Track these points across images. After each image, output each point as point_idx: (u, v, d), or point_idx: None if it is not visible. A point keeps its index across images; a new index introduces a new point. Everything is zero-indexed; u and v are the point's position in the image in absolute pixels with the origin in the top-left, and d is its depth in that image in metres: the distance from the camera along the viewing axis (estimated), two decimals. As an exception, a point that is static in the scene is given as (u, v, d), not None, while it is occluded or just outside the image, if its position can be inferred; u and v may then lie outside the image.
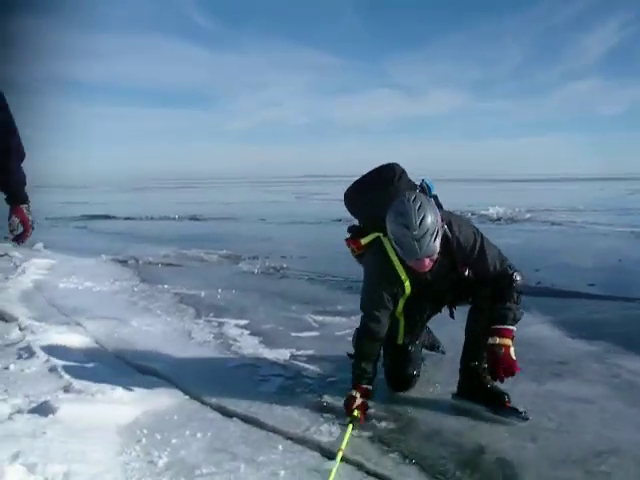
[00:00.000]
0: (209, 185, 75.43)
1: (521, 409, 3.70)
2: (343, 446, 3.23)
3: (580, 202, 27.58)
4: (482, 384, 3.91)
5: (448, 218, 3.72)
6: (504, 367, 3.61)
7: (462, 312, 4.10)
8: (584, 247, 12.78)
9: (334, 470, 2.99)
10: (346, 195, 4.25)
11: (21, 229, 3.45)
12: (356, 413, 3.61)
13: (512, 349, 3.66)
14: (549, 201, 30.43)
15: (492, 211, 20.70)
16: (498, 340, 3.64)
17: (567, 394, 4.10)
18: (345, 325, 5.96)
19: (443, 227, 3.56)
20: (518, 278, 3.75)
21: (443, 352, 4.77)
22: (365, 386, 3.79)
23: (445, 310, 4.23)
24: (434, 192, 4.00)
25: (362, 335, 3.90)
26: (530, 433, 3.52)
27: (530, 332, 5.55)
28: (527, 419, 3.63)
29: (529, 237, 14.63)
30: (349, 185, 4.25)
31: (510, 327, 3.68)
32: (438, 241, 3.46)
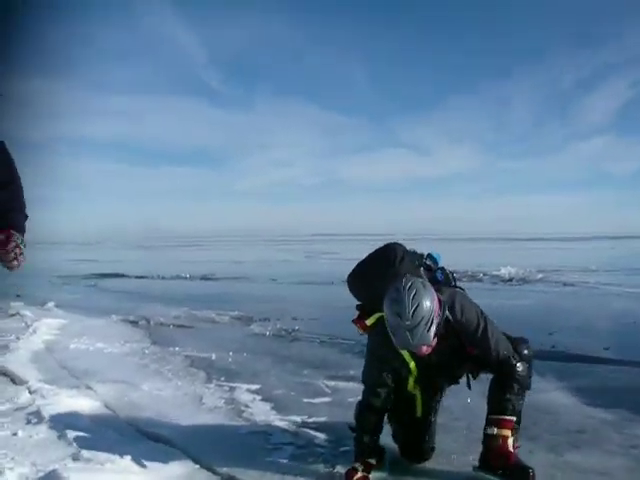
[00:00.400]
0: (219, 244, 75.62)
1: None
2: None
3: (592, 262, 27.46)
4: (507, 458, 3.82)
5: (452, 299, 3.66)
6: (500, 458, 3.60)
7: (477, 382, 4.03)
8: (597, 309, 12.67)
9: None
10: (348, 279, 4.20)
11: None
12: None
13: (510, 440, 3.63)
14: (560, 261, 30.34)
15: (504, 271, 20.62)
16: (496, 431, 3.62)
17: (585, 466, 4.00)
18: (357, 391, 5.76)
19: (441, 314, 3.47)
20: (520, 369, 3.68)
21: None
22: (367, 460, 3.74)
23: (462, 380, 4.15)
24: (441, 264, 3.99)
25: (363, 409, 3.89)
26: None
27: (545, 399, 5.48)
28: None
29: (541, 298, 14.54)
30: (352, 268, 4.19)
31: (509, 418, 3.64)
32: (433, 330, 3.37)
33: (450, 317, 3.60)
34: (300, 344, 8.78)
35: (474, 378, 4.02)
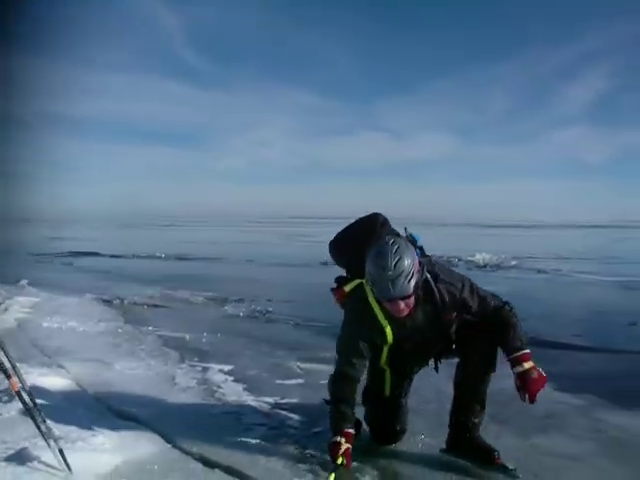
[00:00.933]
0: (197, 224, 75.26)
1: (511, 466, 3.66)
2: None
3: (565, 249, 27.77)
4: (472, 439, 3.88)
5: (433, 267, 3.76)
6: (540, 384, 3.68)
7: (446, 365, 4.08)
8: (569, 296, 12.84)
9: None
10: (330, 245, 4.27)
11: None
12: (341, 460, 3.55)
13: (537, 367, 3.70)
14: (535, 248, 30.53)
15: (478, 257, 20.74)
16: (526, 365, 3.64)
17: (552, 450, 4.08)
18: (330, 373, 5.89)
19: (421, 272, 3.57)
20: (512, 306, 3.85)
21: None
22: (348, 430, 3.71)
23: (431, 363, 4.19)
24: (420, 243, 3.99)
25: (337, 378, 3.85)
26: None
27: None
28: (517, 477, 3.60)
29: (515, 285, 14.63)
30: (334, 235, 4.26)
31: (527, 351, 3.71)
32: (412, 283, 3.46)
33: (432, 282, 3.69)
34: (274, 326, 8.80)
35: (440, 361, 4.10)
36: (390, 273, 3.38)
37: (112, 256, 22.76)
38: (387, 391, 4.12)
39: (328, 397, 3.94)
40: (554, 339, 7.86)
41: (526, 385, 3.63)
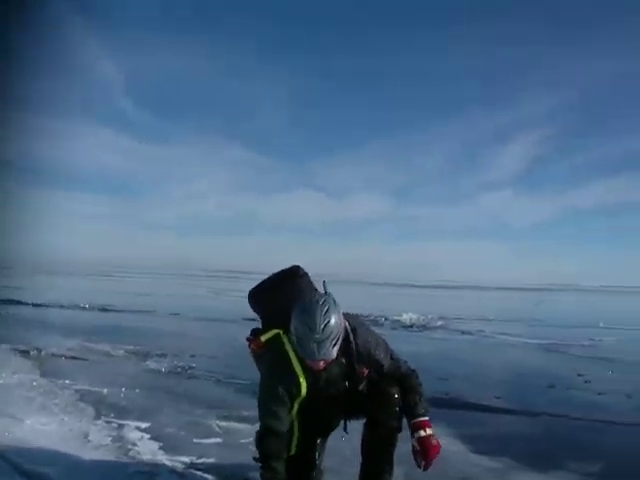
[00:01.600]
0: (126, 275, 74.06)
1: None
2: None
3: (491, 311, 28.24)
4: None
5: (353, 322, 3.79)
6: (436, 453, 3.75)
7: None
8: (492, 358, 13.01)
9: None
10: (250, 294, 4.26)
11: None
12: None
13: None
14: (462, 309, 31.04)
15: (405, 317, 20.94)
16: (428, 431, 3.73)
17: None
18: (249, 432, 5.78)
19: (344, 332, 3.61)
20: (418, 375, 3.92)
21: None
22: None
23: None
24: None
25: (264, 434, 3.75)
26: None
27: (435, 445, 5.56)
28: None
29: (440, 345, 14.81)
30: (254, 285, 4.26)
31: (426, 418, 3.77)
32: (337, 347, 3.51)
33: (350, 335, 3.70)
34: (195, 382, 8.62)
35: (349, 420, 4.10)
36: (317, 336, 3.39)
37: (35, 305, 22.11)
38: (293, 449, 3.98)
39: (256, 455, 3.83)
40: (476, 400, 7.94)
41: (425, 451, 3.70)
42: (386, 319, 20.08)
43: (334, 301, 3.57)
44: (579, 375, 10.32)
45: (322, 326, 3.39)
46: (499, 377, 10.17)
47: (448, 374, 9.69)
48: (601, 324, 22.05)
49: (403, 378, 3.87)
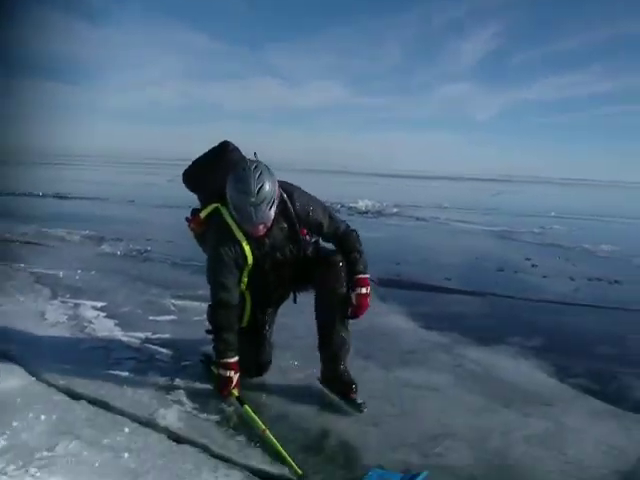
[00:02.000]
0: (80, 163, 72.71)
1: (359, 401, 3.82)
2: (262, 425, 3.32)
3: (446, 200, 28.59)
4: (335, 372, 3.99)
5: (288, 187, 3.85)
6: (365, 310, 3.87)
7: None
8: (445, 243, 13.30)
9: (280, 450, 3.07)
10: (184, 174, 4.25)
11: None
12: (235, 392, 3.66)
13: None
14: (417, 197, 31.39)
15: (361, 204, 21.15)
16: (364, 290, 3.83)
17: (412, 382, 4.31)
18: (203, 310, 5.79)
19: (280, 196, 3.69)
20: (359, 234, 4.01)
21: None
22: (232, 360, 3.77)
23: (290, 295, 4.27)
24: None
25: (215, 307, 3.83)
26: (373, 418, 3.67)
27: (385, 322, 5.79)
28: (362, 411, 3.76)
29: (394, 231, 15.04)
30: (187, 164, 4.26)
31: (366, 276, 3.88)
32: (274, 209, 3.59)
33: (287, 200, 3.78)
34: (151, 264, 8.68)
35: (298, 292, 4.22)
36: (253, 200, 3.45)
37: (-15, 194, 21.74)
38: (245, 322, 4.11)
39: (208, 328, 3.95)
40: (426, 282, 8.18)
41: (360, 307, 3.86)
42: (342, 206, 20.24)
43: (267, 167, 3.59)
44: (527, 259, 10.63)
45: (256, 189, 3.44)
46: (450, 261, 10.41)
47: (401, 258, 9.90)
48: (553, 213, 22.54)
49: (343, 236, 3.95)
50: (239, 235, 3.71)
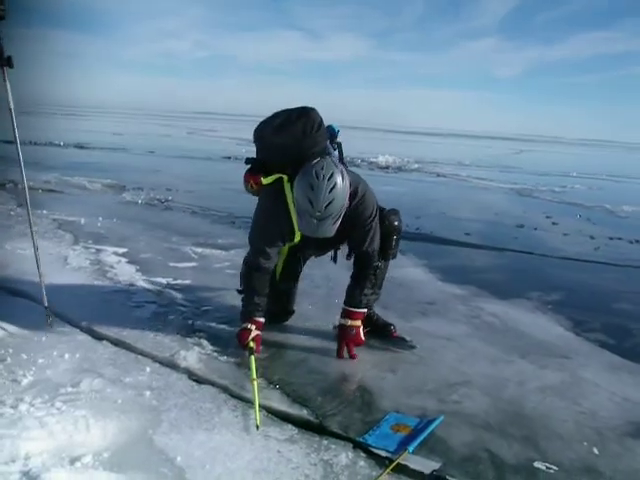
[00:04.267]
0: (99, 114, 72.80)
1: (408, 338, 3.96)
2: (254, 375, 3.28)
3: (467, 157, 28.47)
4: (369, 317, 4.07)
5: (356, 186, 3.65)
6: (353, 345, 3.79)
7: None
8: (465, 199, 13.26)
9: (256, 401, 3.03)
10: (260, 132, 3.89)
11: None
12: (252, 344, 3.63)
13: (361, 329, 3.83)
14: (438, 154, 31.22)
15: (381, 159, 21.10)
16: (350, 322, 3.79)
17: (430, 331, 4.34)
18: (223, 258, 6.01)
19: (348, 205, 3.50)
20: (379, 264, 3.86)
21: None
22: (258, 319, 3.78)
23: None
24: (339, 139, 3.95)
25: (252, 269, 3.80)
26: (391, 365, 3.72)
27: (403, 274, 5.80)
28: (414, 347, 3.92)
29: (414, 186, 15.03)
30: (264, 120, 3.90)
31: (362, 311, 3.85)
32: (337, 225, 3.42)
33: (356, 203, 3.63)
34: (171, 213, 8.78)
35: (338, 249, 4.15)
36: (319, 214, 3.29)
37: (6, 142, 21.75)
38: (277, 278, 4.14)
39: (237, 287, 3.96)
40: (445, 236, 8.22)
41: (340, 338, 3.80)
42: (362, 160, 20.22)
43: (342, 174, 3.37)
44: (547, 217, 10.63)
45: (325, 204, 3.28)
46: (470, 216, 10.41)
47: (421, 212, 9.91)
48: (574, 173, 22.38)
49: (367, 257, 3.83)
50: (294, 215, 3.58)
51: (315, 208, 3.28)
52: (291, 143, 3.59)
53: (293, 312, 4.36)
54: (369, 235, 3.78)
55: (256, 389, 3.13)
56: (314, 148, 3.58)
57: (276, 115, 3.80)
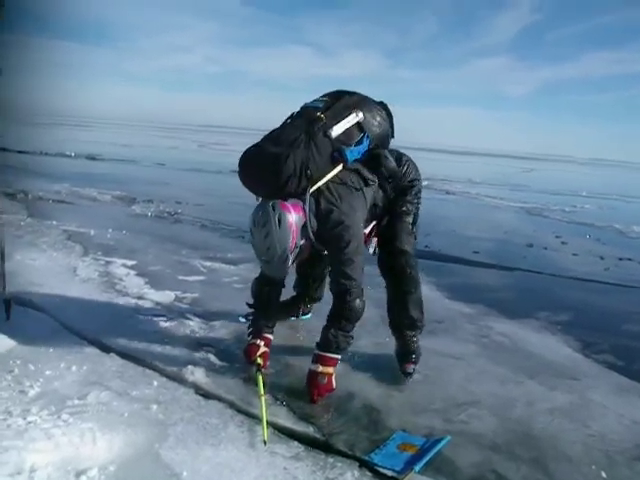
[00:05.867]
0: (108, 126, 73.16)
1: (410, 370, 3.85)
2: (262, 391, 3.26)
3: (477, 175, 28.45)
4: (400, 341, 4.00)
5: (400, 154, 3.94)
6: (323, 394, 3.45)
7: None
8: (474, 217, 13.25)
9: (264, 417, 3.01)
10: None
11: None
12: (259, 360, 3.61)
13: (333, 377, 3.50)
14: (448, 171, 31.15)
15: (391, 175, 21.06)
16: (321, 368, 3.45)
17: (438, 350, 4.32)
18: (232, 272, 6.01)
19: (299, 237, 3.32)
20: (356, 304, 3.45)
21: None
22: (267, 335, 3.79)
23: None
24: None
25: (263, 282, 3.80)
26: (398, 383, 3.71)
27: (411, 291, 5.77)
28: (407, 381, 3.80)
29: (424, 203, 14.59)
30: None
31: (334, 356, 3.50)
32: (289, 262, 3.33)
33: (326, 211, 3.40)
34: (181, 226, 8.80)
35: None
36: (263, 258, 3.32)
37: (19, 152, 21.90)
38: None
39: (250, 301, 3.90)
40: (454, 254, 8.19)
41: (309, 385, 3.46)
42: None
43: (280, 218, 3.21)
44: (557, 237, 10.58)
45: (264, 250, 3.27)
46: (479, 235, 10.38)
47: (430, 230, 9.85)
48: (584, 193, 22.33)
49: (338, 294, 3.48)
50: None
51: (258, 252, 3.32)
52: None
53: (319, 299, 4.53)
54: (407, 220, 3.91)
55: (264, 405, 3.11)
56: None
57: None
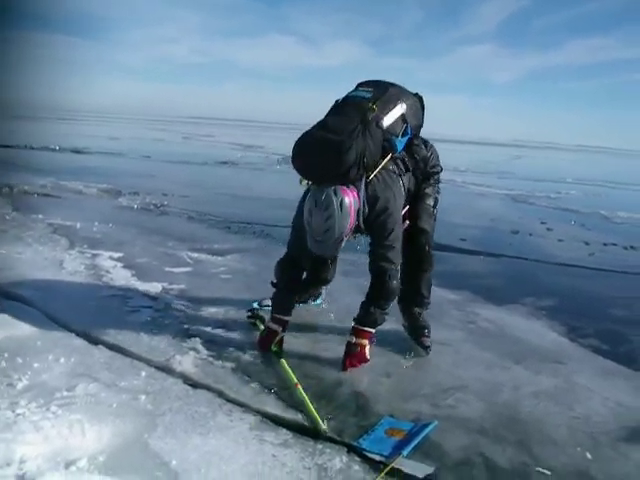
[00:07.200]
0: (96, 119, 72.74)
1: (428, 343, 4.09)
2: (295, 380, 3.36)
3: (463, 163, 28.45)
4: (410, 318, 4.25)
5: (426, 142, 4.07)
6: (357, 362, 3.71)
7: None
8: (460, 205, 13.23)
9: (309, 405, 3.10)
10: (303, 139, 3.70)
11: None
12: (274, 348, 3.73)
13: (367, 348, 3.74)
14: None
15: (377, 164, 21.07)
16: (355, 340, 3.71)
17: (425, 336, 4.34)
18: (219, 263, 6.02)
19: (356, 222, 3.48)
20: (393, 283, 3.69)
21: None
22: (285, 318, 3.90)
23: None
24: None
25: (287, 264, 3.94)
26: (386, 369, 3.74)
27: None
28: (427, 354, 4.03)
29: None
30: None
31: (369, 330, 3.75)
32: (341, 245, 3.48)
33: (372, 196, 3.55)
34: (167, 218, 8.77)
35: None
36: (319, 238, 3.40)
37: (3, 146, 21.76)
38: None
39: (274, 279, 3.99)
40: (440, 242, 8.14)
41: (346, 355, 3.71)
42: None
43: (341, 204, 3.33)
44: (542, 223, 10.66)
45: (322, 231, 3.36)
46: (465, 222, 10.40)
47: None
48: (569, 179, 22.45)
49: (377, 274, 3.71)
50: None
51: (314, 233, 3.40)
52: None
53: (329, 281, 4.63)
54: (428, 203, 4.11)
55: (303, 393, 3.20)
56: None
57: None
